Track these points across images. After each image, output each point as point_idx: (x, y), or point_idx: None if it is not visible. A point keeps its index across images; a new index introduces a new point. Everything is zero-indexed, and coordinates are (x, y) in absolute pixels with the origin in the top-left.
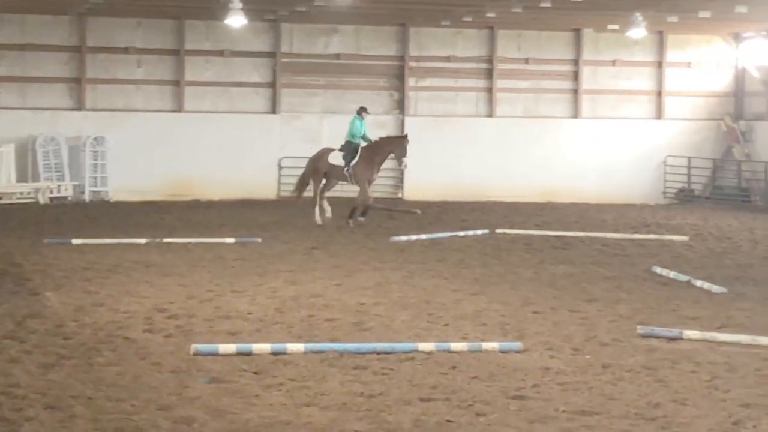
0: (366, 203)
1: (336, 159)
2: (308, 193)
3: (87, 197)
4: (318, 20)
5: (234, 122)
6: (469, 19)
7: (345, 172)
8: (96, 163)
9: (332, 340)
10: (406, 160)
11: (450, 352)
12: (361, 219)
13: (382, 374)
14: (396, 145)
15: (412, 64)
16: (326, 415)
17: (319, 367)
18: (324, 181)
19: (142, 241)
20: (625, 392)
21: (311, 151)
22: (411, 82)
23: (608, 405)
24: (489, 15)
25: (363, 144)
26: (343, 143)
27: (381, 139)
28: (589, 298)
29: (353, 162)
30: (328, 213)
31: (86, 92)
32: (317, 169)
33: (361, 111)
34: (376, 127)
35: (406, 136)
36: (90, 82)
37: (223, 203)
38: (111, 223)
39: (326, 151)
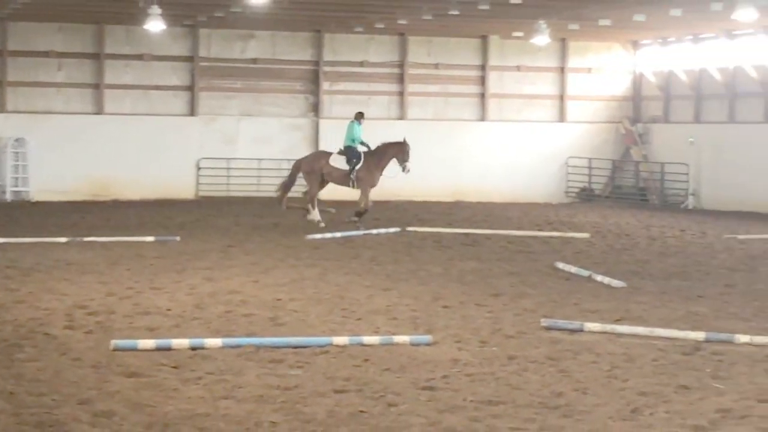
0: (366, 208)
1: (336, 162)
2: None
3: (8, 197)
4: (235, 26)
5: (153, 124)
6: (381, 25)
7: (351, 176)
8: (17, 164)
9: (249, 335)
10: (408, 164)
11: (363, 345)
12: (356, 219)
13: (298, 367)
14: (398, 149)
15: (327, 68)
16: (243, 407)
17: (237, 361)
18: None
19: (63, 239)
20: (529, 382)
21: (229, 153)
22: (325, 85)
23: (514, 394)
24: (400, 22)
25: (362, 148)
26: (343, 148)
27: (383, 144)
28: (496, 293)
29: (358, 167)
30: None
31: (7, 95)
32: (314, 171)
33: (359, 116)
34: (292, 129)
35: (405, 141)
36: (11, 85)
37: (143, 203)
38: (32, 222)
39: (324, 155)
